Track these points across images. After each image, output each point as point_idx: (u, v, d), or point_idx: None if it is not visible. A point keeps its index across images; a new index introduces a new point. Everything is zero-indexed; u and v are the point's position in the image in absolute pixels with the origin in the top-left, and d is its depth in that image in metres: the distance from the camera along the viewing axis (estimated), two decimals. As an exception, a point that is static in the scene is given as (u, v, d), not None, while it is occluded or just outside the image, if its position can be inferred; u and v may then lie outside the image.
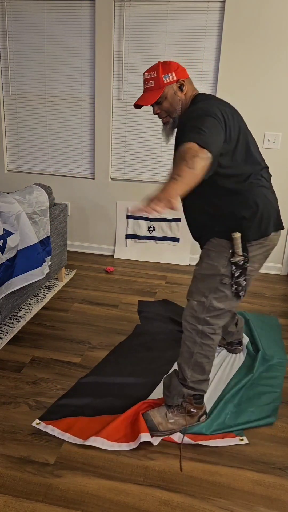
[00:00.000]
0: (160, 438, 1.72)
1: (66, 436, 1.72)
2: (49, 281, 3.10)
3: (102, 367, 2.18)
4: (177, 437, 1.73)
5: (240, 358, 2.28)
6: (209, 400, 1.93)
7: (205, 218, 1.68)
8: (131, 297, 2.98)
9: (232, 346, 2.31)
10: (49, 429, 1.76)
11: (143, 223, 3.63)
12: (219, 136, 1.40)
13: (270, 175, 1.68)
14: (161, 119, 1.69)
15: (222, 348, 2.34)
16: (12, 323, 2.53)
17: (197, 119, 1.41)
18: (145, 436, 1.67)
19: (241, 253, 1.60)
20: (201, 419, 1.79)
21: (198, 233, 1.76)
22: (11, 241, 2.20)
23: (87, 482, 1.54)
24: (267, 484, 1.56)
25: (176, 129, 1.68)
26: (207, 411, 1.86)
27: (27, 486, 1.51)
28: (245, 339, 2.42)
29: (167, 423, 1.74)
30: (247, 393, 2.00)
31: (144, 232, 3.65)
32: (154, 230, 3.63)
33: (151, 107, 1.71)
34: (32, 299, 2.82)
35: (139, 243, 3.69)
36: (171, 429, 1.74)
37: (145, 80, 1.66)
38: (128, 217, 3.64)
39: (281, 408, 1.95)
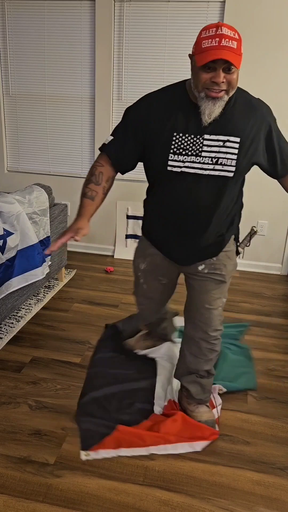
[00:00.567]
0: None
1: (124, 451, 1.66)
2: (49, 281, 3.10)
3: (92, 382, 2.05)
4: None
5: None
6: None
7: (230, 219, 1.66)
8: (131, 297, 2.98)
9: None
10: (103, 453, 1.65)
11: (143, 223, 3.63)
12: None
13: None
14: (211, 91, 1.36)
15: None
16: (12, 323, 2.53)
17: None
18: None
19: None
20: None
21: (216, 238, 1.65)
22: (11, 241, 2.20)
23: (87, 482, 1.54)
24: (267, 484, 1.56)
25: (221, 113, 1.42)
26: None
27: (27, 486, 1.51)
28: None
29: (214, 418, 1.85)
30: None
31: (144, 232, 3.65)
32: (154, 230, 3.62)
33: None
34: (32, 299, 2.82)
35: (139, 243, 3.69)
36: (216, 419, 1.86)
37: (225, 36, 1.30)
38: (128, 217, 3.64)
39: (280, 408, 1.95)
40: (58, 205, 2.85)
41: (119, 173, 1.63)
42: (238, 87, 1.50)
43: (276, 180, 1.68)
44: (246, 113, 1.48)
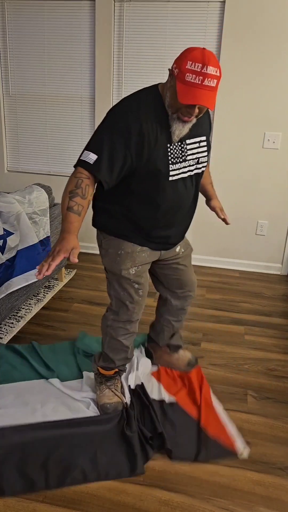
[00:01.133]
0: None
1: None
2: (49, 281, 3.10)
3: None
4: None
5: None
6: None
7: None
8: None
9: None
10: None
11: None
12: None
13: None
14: (184, 115, 1.46)
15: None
16: (12, 323, 2.53)
17: None
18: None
19: None
20: None
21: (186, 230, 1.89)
22: (11, 241, 2.21)
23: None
24: (267, 484, 1.56)
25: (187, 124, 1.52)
26: None
27: (27, 486, 1.51)
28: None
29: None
30: None
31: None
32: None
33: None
34: (32, 299, 2.82)
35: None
36: None
37: (209, 76, 1.36)
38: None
39: (280, 408, 1.95)
40: (58, 205, 2.85)
41: None
42: None
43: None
44: (203, 115, 1.66)
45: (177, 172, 1.59)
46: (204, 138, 1.66)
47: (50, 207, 2.69)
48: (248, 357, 2.34)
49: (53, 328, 2.53)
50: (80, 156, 1.50)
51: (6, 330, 2.46)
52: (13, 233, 2.23)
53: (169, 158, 1.54)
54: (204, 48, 1.38)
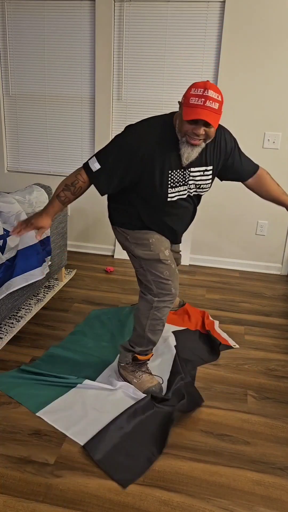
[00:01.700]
0: None
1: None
2: (49, 281, 3.10)
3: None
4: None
5: None
6: None
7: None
8: (131, 297, 2.98)
9: None
10: None
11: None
12: None
13: None
14: (191, 138, 1.62)
15: None
16: (12, 323, 2.53)
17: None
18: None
19: None
20: None
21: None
22: (11, 241, 2.20)
23: (87, 482, 1.54)
24: (267, 484, 1.56)
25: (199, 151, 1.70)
26: None
27: (27, 486, 1.51)
28: None
29: None
30: None
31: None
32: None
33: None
34: (32, 299, 2.82)
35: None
36: None
37: (210, 98, 1.55)
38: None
39: (280, 408, 1.95)
40: (58, 205, 2.85)
41: None
42: None
43: (276, 181, 1.93)
44: (214, 146, 1.80)
45: (176, 194, 1.78)
46: (210, 167, 1.80)
47: (50, 207, 2.68)
48: (248, 357, 2.34)
49: (53, 328, 2.53)
50: (90, 158, 1.74)
51: (6, 330, 2.46)
52: (13, 233, 2.23)
53: (169, 182, 1.73)
54: (207, 81, 1.58)
